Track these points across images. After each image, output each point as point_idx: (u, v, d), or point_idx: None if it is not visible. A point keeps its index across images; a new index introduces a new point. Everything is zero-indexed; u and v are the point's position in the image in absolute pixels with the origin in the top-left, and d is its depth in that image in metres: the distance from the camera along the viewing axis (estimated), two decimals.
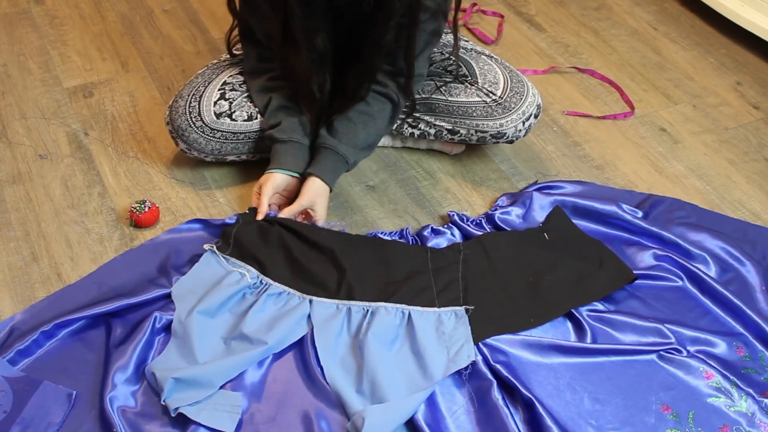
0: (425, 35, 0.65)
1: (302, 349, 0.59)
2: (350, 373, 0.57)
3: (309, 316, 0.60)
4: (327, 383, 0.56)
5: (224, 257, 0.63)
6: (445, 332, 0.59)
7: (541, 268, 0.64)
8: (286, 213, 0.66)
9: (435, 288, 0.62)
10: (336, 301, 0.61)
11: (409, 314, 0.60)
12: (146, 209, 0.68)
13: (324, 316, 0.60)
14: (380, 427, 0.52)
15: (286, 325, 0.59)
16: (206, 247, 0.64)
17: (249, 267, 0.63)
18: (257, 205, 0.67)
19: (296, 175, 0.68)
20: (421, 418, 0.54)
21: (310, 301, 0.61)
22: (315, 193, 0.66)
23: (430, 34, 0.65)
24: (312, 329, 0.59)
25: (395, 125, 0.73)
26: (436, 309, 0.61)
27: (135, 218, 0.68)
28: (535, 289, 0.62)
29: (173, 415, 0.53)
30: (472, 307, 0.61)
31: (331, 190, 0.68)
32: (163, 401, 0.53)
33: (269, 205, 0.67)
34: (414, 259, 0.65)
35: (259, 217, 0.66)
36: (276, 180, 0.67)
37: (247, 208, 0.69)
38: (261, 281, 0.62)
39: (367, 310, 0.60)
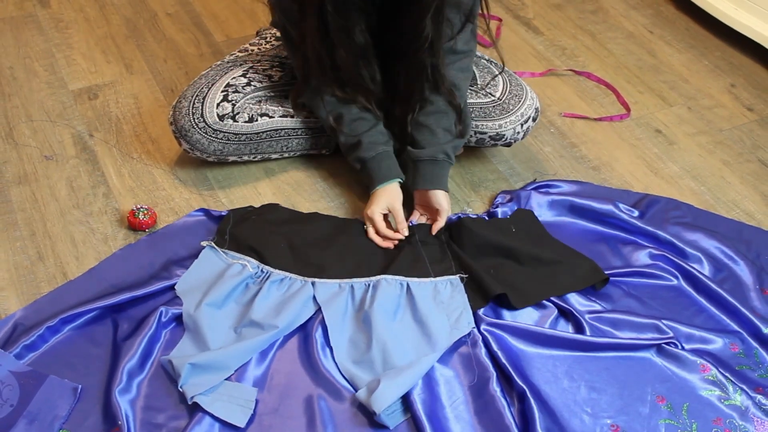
0: (458, 16, 0.64)
1: (306, 340, 0.60)
2: (359, 348, 0.58)
3: (314, 298, 0.62)
4: (328, 370, 0.57)
5: (223, 251, 0.64)
6: (443, 301, 0.61)
7: (504, 260, 0.65)
8: (437, 228, 0.67)
9: (427, 260, 0.64)
10: (338, 280, 0.63)
11: (408, 285, 0.62)
12: (147, 216, 0.69)
13: (329, 297, 0.62)
14: (395, 386, 0.54)
15: (293, 308, 0.60)
16: (204, 243, 0.65)
17: (248, 258, 0.64)
18: (391, 229, 0.66)
19: (401, 180, 0.69)
20: (420, 409, 0.55)
21: (313, 284, 0.62)
22: (446, 201, 0.68)
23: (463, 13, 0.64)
24: (317, 311, 0.60)
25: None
26: (432, 279, 0.63)
27: (136, 222, 0.68)
28: (496, 276, 0.64)
29: (189, 403, 0.54)
30: (466, 275, 0.63)
31: (447, 191, 0.69)
32: (180, 387, 0.54)
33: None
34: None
35: (406, 232, 0.66)
36: (396, 192, 0.67)
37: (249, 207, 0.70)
38: (262, 270, 0.63)
39: (369, 284, 0.62)
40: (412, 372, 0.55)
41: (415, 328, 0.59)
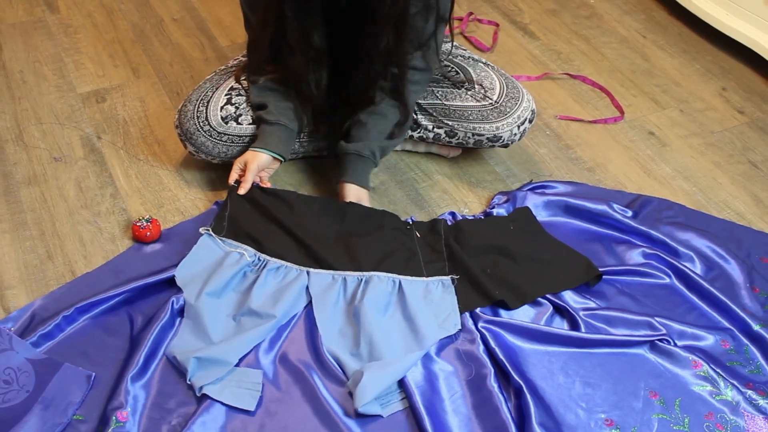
0: (421, 32, 0.66)
1: (312, 330, 0.61)
2: (348, 339, 0.60)
3: (308, 288, 0.63)
4: (328, 354, 0.58)
5: (220, 239, 0.66)
6: (433, 300, 0.63)
7: (500, 258, 0.67)
8: None
9: (421, 259, 0.66)
10: (331, 272, 0.64)
11: (400, 283, 0.64)
12: (150, 232, 0.68)
13: (321, 287, 0.63)
14: (378, 380, 0.55)
15: (289, 297, 0.61)
16: (202, 230, 0.67)
17: (246, 246, 0.65)
18: (238, 178, 0.69)
19: (280, 158, 0.70)
20: (419, 401, 0.56)
21: (308, 273, 0.64)
22: (360, 196, 0.70)
23: (426, 31, 0.66)
24: (311, 301, 0.62)
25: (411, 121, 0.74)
26: (424, 278, 0.64)
27: (142, 235, 0.68)
28: (493, 275, 0.65)
29: (198, 395, 0.55)
30: (457, 277, 0.64)
31: (368, 190, 0.71)
32: (189, 381, 0.56)
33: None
34: (398, 230, 0.69)
35: (242, 191, 0.68)
36: (261, 159, 0.69)
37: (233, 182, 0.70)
38: (259, 258, 0.65)
39: (361, 279, 0.64)
40: (396, 368, 0.56)
41: (403, 324, 0.61)
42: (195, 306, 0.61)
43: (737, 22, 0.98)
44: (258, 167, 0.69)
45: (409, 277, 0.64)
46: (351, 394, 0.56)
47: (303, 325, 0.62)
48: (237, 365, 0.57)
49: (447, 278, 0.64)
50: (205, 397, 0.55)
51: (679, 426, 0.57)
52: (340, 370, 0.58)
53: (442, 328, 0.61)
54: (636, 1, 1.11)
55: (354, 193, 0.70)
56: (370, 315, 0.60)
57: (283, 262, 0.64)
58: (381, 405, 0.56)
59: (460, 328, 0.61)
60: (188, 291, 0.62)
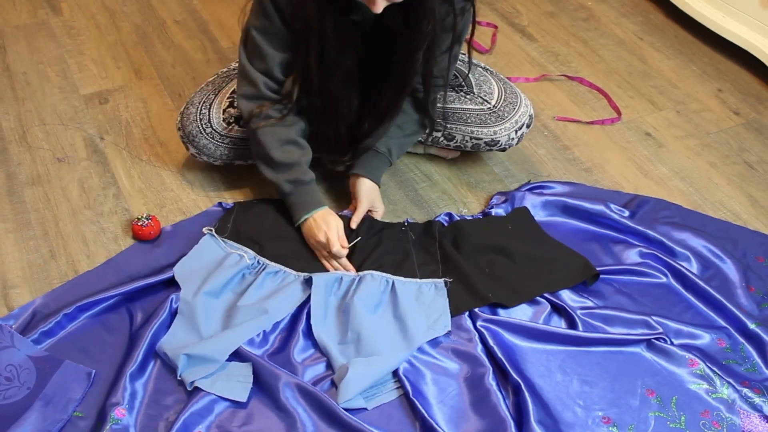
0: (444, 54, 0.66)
1: (308, 328, 0.62)
2: (336, 332, 0.61)
3: (302, 289, 0.63)
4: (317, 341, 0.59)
5: (222, 240, 0.67)
6: (425, 302, 0.64)
7: (498, 257, 0.68)
8: (356, 219, 0.69)
9: (415, 261, 0.67)
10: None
11: (393, 283, 0.64)
12: (151, 229, 0.69)
13: (319, 280, 0.63)
14: (362, 377, 0.56)
15: (282, 295, 0.62)
16: (205, 230, 0.68)
17: (246, 249, 0.66)
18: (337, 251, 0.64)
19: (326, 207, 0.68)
20: (417, 398, 0.57)
21: (305, 278, 0.64)
22: (371, 193, 0.71)
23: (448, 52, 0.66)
24: (304, 303, 0.62)
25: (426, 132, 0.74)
26: (417, 280, 0.65)
27: (143, 234, 0.69)
28: (491, 274, 0.66)
29: (189, 389, 0.56)
30: (450, 280, 0.65)
31: (379, 186, 0.72)
32: (180, 376, 0.57)
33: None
34: (394, 231, 0.70)
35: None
36: (336, 220, 0.66)
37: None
38: (258, 261, 0.66)
39: (355, 278, 0.65)
40: (381, 366, 0.57)
41: (393, 323, 0.61)
42: (191, 303, 0.61)
43: (733, 25, 0.99)
44: (337, 226, 0.65)
45: (402, 278, 0.65)
46: (336, 387, 0.56)
47: (298, 323, 0.62)
48: (228, 360, 0.58)
49: (440, 281, 0.65)
50: (197, 389, 0.56)
51: (675, 424, 0.58)
52: (321, 345, 0.58)
53: (431, 329, 0.61)
54: (633, 3, 1.12)
55: (367, 187, 0.71)
56: (359, 312, 0.61)
57: (281, 267, 0.65)
58: (365, 398, 0.56)
59: (449, 329, 0.62)
60: (186, 288, 0.63)
